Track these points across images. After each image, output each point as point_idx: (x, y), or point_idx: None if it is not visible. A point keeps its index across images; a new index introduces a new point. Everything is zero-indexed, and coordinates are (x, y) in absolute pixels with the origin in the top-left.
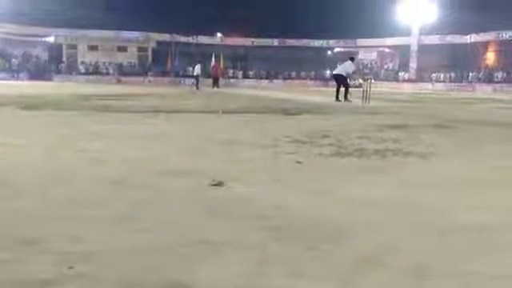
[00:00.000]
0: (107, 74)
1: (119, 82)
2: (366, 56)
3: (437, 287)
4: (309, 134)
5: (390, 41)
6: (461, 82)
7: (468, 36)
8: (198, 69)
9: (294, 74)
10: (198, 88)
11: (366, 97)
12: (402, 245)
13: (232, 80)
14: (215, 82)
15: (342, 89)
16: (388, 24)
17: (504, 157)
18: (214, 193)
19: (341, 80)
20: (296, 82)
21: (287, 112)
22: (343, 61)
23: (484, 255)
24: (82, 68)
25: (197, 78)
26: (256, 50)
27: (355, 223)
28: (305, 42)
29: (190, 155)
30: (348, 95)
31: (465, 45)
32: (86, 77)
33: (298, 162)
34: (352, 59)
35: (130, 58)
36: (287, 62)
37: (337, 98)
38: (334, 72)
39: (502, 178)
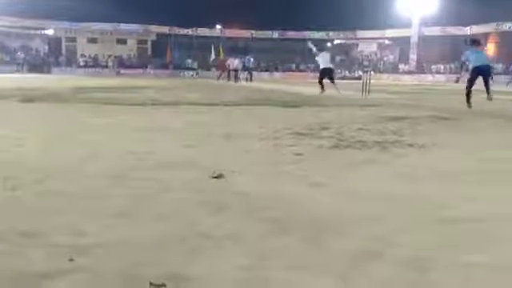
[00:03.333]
0: (106, 66)
1: (119, 74)
2: (366, 48)
3: (438, 279)
4: (309, 126)
5: (390, 32)
6: (461, 73)
7: (468, 27)
8: (237, 62)
9: (293, 66)
10: (236, 81)
11: (365, 89)
12: (403, 237)
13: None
14: (221, 75)
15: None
16: (388, 15)
17: (503, 148)
18: (214, 185)
19: (330, 73)
20: (296, 74)
21: (287, 104)
22: (340, 52)
23: (484, 246)
24: (81, 61)
25: (236, 71)
26: (256, 42)
27: (355, 215)
28: (305, 34)
29: (190, 148)
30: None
31: (465, 36)
32: (86, 70)
33: (298, 154)
34: (323, 49)
35: (129, 50)
36: (287, 54)
37: (322, 88)
38: (325, 66)
39: (502, 169)
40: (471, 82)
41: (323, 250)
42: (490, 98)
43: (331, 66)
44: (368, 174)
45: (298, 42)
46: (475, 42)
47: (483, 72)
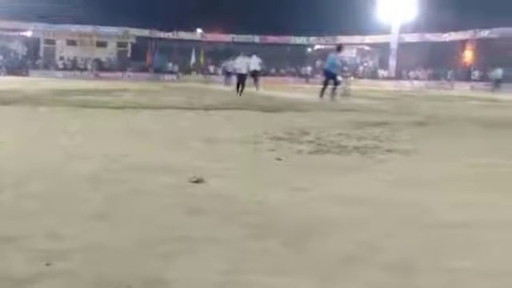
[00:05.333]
0: (86, 69)
1: (98, 77)
2: (346, 53)
3: (422, 284)
4: (289, 131)
5: (369, 38)
6: (439, 79)
7: (446, 34)
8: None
9: (274, 70)
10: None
11: (345, 94)
12: (386, 242)
13: (213, 76)
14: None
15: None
16: (368, 22)
17: (482, 154)
18: (193, 189)
19: (244, 78)
20: (276, 78)
21: (267, 109)
22: (321, 57)
23: (468, 252)
24: (60, 63)
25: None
26: (237, 46)
27: (336, 220)
28: (286, 38)
29: (170, 151)
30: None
31: (443, 43)
32: (64, 72)
33: (278, 159)
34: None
35: (109, 53)
36: (268, 58)
37: (241, 91)
38: (255, 68)
39: (481, 175)
40: (324, 81)
41: (305, 254)
42: (332, 98)
43: (257, 68)
44: (348, 179)
45: (278, 47)
46: (337, 47)
47: (326, 75)
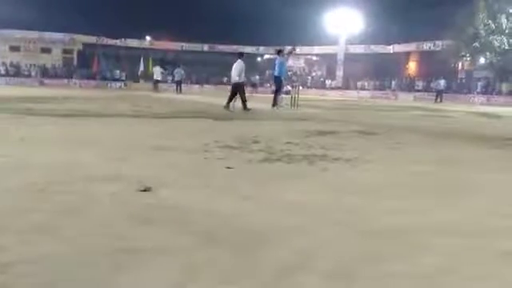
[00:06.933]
0: (30, 76)
1: (42, 84)
2: (295, 63)
3: None
4: (239, 140)
5: (317, 49)
6: (384, 90)
7: (391, 46)
8: (179, 73)
9: (224, 79)
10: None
11: (294, 103)
12: (327, 249)
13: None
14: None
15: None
16: (316, 33)
17: (422, 162)
18: (141, 199)
19: (237, 87)
20: (227, 87)
21: (218, 117)
22: (271, 67)
23: (405, 257)
24: (2, 69)
25: (178, 83)
26: (186, 54)
27: (282, 228)
28: (235, 47)
29: (117, 160)
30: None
31: (388, 54)
32: (7, 79)
33: (228, 168)
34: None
35: (54, 60)
36: (218, 67)
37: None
38: (240, 80)
39: (422, 183)
40: (275, 90)
41: (251, 263)
42: (282, 107)
43: (238, 80)
44: (296, 187)
45: (228, 56)
46: (279, 51)
47: (276, 81)
